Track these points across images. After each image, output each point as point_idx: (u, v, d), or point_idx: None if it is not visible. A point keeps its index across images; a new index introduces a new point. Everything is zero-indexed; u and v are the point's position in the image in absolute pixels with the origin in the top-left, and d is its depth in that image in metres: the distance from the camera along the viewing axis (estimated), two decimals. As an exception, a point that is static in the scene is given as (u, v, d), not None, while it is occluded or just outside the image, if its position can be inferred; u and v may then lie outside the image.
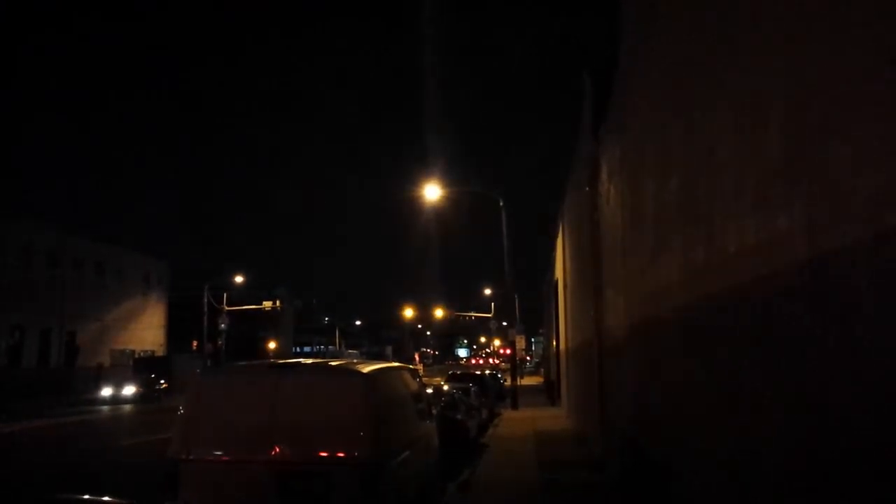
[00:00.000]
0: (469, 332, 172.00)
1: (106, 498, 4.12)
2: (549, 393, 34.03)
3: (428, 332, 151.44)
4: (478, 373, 34.46)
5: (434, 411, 10.98)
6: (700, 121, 5.29)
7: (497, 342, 71.78)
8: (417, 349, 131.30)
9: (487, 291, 69.17)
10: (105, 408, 31.87)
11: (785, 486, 3.71)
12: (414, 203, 31.78)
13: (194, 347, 59.38)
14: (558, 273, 26.33)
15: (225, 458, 6.63)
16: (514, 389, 29.29)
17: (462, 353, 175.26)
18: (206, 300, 54.21)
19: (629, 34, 8.86)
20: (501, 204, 29.51)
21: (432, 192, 29.86)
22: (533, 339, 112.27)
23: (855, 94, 2.84)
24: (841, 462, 3.03)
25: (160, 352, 53.46)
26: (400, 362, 11.62)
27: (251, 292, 66.56)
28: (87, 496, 4.08)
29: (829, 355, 3.11)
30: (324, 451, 6.44)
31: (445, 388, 20.13)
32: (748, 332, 4.23)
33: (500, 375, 41.94)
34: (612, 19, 9.95)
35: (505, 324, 41.16)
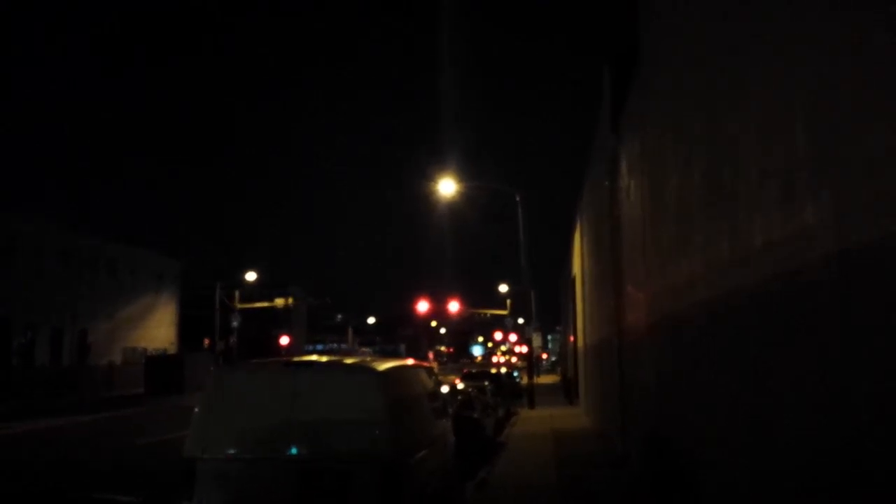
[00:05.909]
0: (484, 329, 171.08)
1: (116, 496, 3.99)
2: (567, 391, 33.72)
3: (442, 330, 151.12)
4: (493, 371, 34.29)
5: (450, 410, 10.83)
6: (724, 111, 5.15)
7: (513, 337, 71.33)
8: (431, 347, 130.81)
9: (503, 288, 68.62)
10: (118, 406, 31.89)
11: (807, 484, 3.62)
12: (430, 199, 31.47)
13: (206, 345, 59.40)
14: (576, 269, 26.13)
15: (241, 457, 6.53)
16: (531, 388, 29.00)
17: (476, 350, 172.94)
18: (217, 298, 54.25)
19: (650, 25, 8.68)
20: (518, 199, 29.23)
21: (448, 186, 29.59)
22: (549, 336, 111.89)
23: (885, 82, 2.70)
24: (864, 461, 2.92)
25: (172, 350, 53.41)
26: (415, 360, 11.48)
27: (264, 290, 66.59)
28: (98, 495, 3.96)
29: (856, 350, 3.02)
30: (341, 450, 6.33)
31: (461, 386, 20.00)
32: (774, 326, 4.12)
33: (516, 374, 41.77)
34: (633, 10, 9.77)
35: (521, 321, 40.98)
